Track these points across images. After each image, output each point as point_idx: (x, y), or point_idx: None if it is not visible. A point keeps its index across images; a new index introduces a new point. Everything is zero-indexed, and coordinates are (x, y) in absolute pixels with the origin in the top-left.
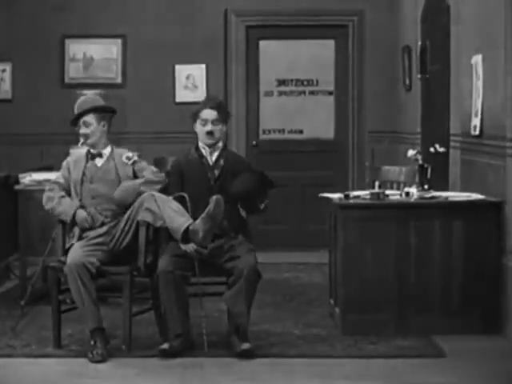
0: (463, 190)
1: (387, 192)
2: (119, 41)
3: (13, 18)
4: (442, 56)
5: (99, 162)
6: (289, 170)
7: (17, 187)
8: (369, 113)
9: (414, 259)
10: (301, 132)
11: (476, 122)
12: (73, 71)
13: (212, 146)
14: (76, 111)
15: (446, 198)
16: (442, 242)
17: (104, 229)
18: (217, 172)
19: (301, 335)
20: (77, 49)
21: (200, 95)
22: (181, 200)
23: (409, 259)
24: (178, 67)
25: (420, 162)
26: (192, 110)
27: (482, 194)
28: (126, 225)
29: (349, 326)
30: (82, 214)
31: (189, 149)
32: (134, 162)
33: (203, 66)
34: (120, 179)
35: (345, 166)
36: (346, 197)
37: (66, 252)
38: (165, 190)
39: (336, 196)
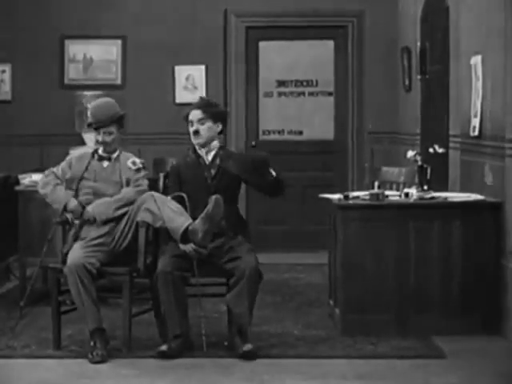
0: (463, 190)
1: (387, 193)
2: (119, 42)
3: (13, 19)
4: (442, 57)
5: (105, 163)
6: (288, 171)
7: (17, 188)
8: (368, 114)
9: (413, 260)
10: (300, 133)
11: (475, 122)
12: (72, 72)
13: (204, 146)
14: (95, 118)
15: (446, 198)
16: (442, 242)
17: (104, 229)
18: (213, 171)
19: (300, 336)
20: (76, 50)
21: (199, 96)
22: (179, 200)
23: (408, 260)
24: (177, 68)
25: (419, 162)
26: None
27: (481, 194)
28: (125, 226)
29: (348, 326)
30: (74, 202)
31: (187, 150)
32: (138, 169)
33: (203, 66)
34: (122, 182)
35: (344, 167)
36: (346, 197)
37: (64, 256)
38: (164, 192)
39: (336, 197)
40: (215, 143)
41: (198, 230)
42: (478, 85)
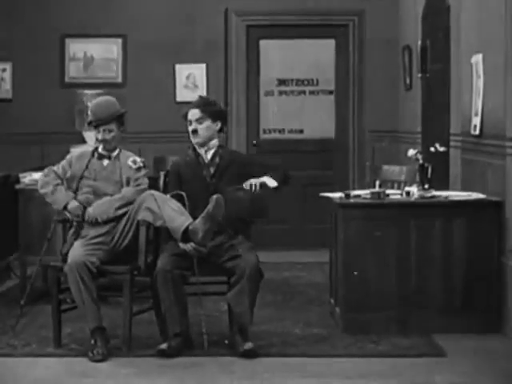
0: (463, 189)
1: (388, 191)
2: (119, 40)
3: (13, 18)
4: (443, 55)
5: (105, 161)
6: (289, 170)
7: (17, 187)
8: (369, 112)
9: (414, 258)
10: (301, 131)
11: (476, 121)
12: (73, 71)
13: (203, 145)
14: (95, 116)
15: (447, 197)
16: (443, 241)
17: (105, 228)
18: (212, 169)
19: (301, 334)
20: (77, 48)
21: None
22: (178, 198)
23: (409, 258)
24: (178, 67)
25: (420, 161)
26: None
27: (482, 193)
28: (126, 224)
29: (349, 325)
30: (74, 203)
31: (188, 148)
32: (139, 168)
33: (203, 65)
34: (122, 181)
35: (345, 166)
36: (347, 196)
37: (64, 256)
38: (164, 191)
39: (336, 195)
40: (214, 142)
41: (199, 229)
42: (478, 83)
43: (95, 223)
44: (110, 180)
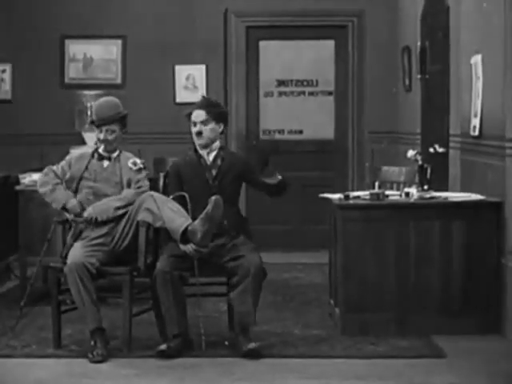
0: (463, 190)
1: (387, 192)
2: (119, 41)
3: (13, 19)
4: (442, 56)
5: (105, 162)
6: (289, 171)
7: (17, 187)
8: (369, 113)
9: (413, 259)
10: (301, 132)
11: (475, 122)
12: (73, 71)
13: (206, 147)
14: (98, 116)
15: (446, 198)
16: (442, 242)
17: (104, 229)
18: (214, 172)
19: (300, 335)
20: (77, 49)
21: (200, 95)
22: (181, 200)
23: (408, 259)
24: (177, 67)
25: (420, 162)
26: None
27: (481, 194)
28: (126, 225)
29: (348, 326)
30: (73, 201)
31: (189, 149)
32: (139, 170)
33: (203, 66)
34: (123, 182)
35: (345, 167)
36: (346, 197)
37: (64, 259)
38: (164, 192)
39: (336, 196)
40: (217, 144)
41: (198, 230)
42: (478, 84)
43: (94, 222)
44: (110, 181)
